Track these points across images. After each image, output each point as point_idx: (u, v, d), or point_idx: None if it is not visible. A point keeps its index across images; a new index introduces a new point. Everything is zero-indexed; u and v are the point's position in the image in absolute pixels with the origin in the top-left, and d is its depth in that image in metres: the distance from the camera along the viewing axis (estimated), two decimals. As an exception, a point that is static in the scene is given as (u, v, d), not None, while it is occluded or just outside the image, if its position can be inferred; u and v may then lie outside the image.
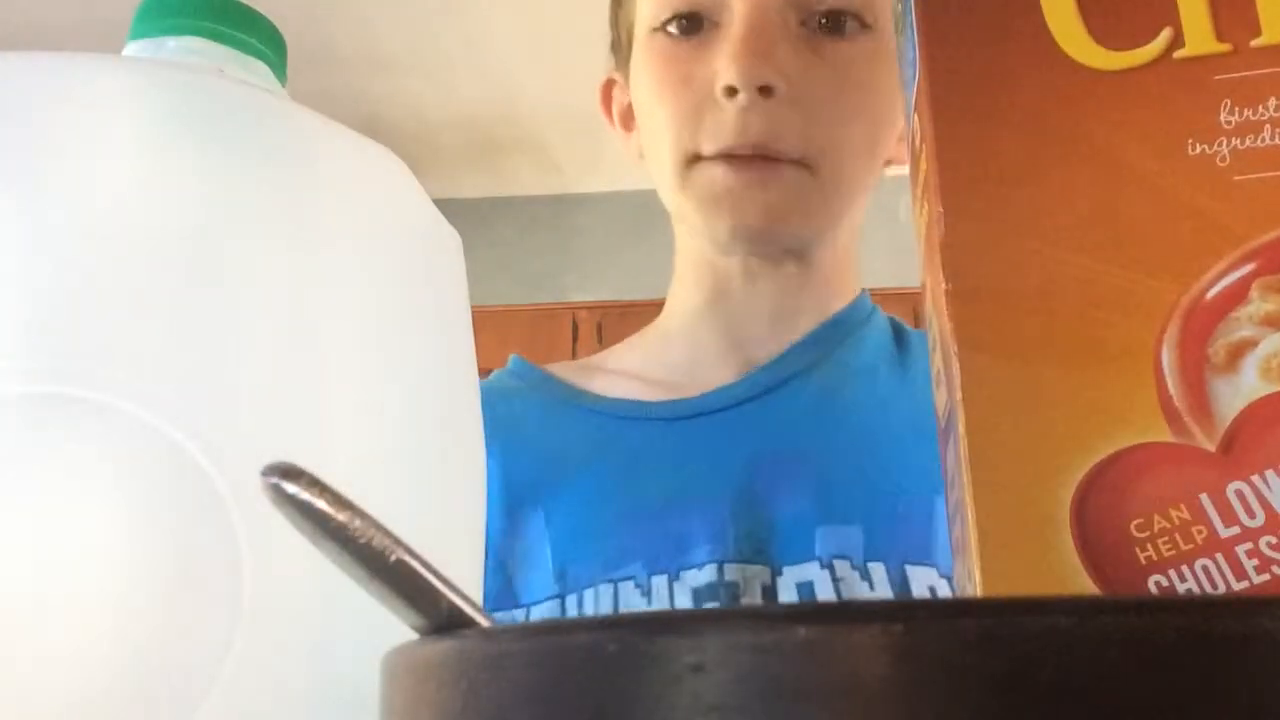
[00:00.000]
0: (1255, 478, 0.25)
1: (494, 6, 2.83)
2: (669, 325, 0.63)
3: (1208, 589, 0.25)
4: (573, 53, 2.48)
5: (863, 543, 0.52)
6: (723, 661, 0.13)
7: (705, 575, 0.52)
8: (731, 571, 0.52)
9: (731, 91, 0.52)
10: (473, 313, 0.35)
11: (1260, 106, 0.27)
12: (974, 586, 0.27)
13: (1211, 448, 0.25)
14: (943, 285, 0.28)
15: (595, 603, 0.52)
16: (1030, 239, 0.28)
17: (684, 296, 0.61)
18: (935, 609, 0.13)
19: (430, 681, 0.15)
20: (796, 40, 0.54)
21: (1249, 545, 0.25)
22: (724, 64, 0.52)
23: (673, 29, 0.56)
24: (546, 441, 0.59)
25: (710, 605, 0.50)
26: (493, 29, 2.90)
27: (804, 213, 0.56)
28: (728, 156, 0.54)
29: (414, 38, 2.99)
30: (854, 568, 0.51)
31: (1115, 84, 0.28)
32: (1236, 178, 0.27)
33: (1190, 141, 0.27)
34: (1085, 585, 0.25)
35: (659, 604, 0.51)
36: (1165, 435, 0.26)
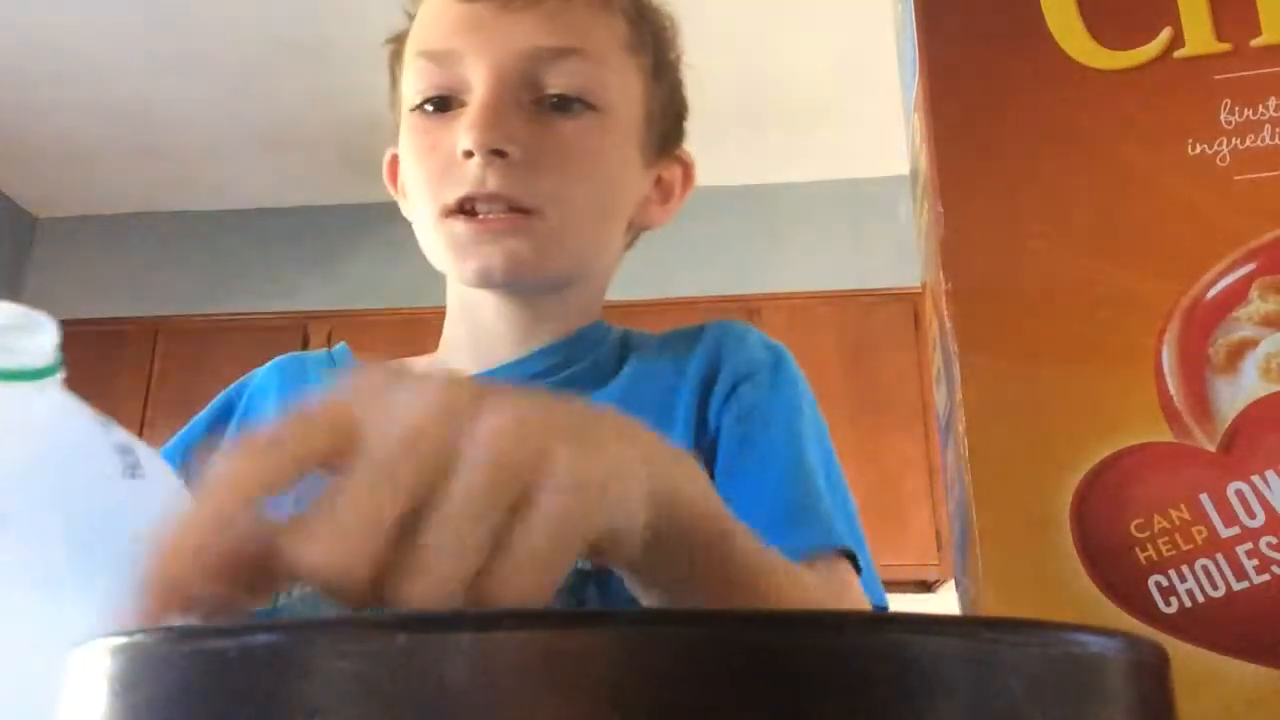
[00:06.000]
0: (1255, 478, 0.25)
1: (494, 6, 2.82)
2: (442, 340, 0.76)
3: (1208, 589, 0.25)
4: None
5: None
6: (326, 666, 0.13)
7: None
8: None
9: (469, 154, 0.62)
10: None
11: (1260, 106, 0.27)
12: (975, 585, 0.27)
13: (1211, 448, 0.25)
14: (943, 285, 0.28)
15: None
16: (1030, 239, 0.28)
17: (449, 317, 0.74)
18: (520, 620, 0.14)
19: (83, 685, 0.16)
20: (529, 115, 0.63)
21: (1249, 545, 0.25)
22: (463, 133, 0.63)
23: (428, 108, 0.65)
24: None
25: None
26: (493, 28, 2.89)
27: (538, 253, 0.64)
28: (469, 210, 0.64)
29: (414, 37, 2.99)
30: None
31: (1115, 84, 0.28)
32: (1236, 178, 0.27)
33: (1190, 141, 0.27)
34: (1085, 585, 0.25)
35: None
36: (1165, 435, 0.26)
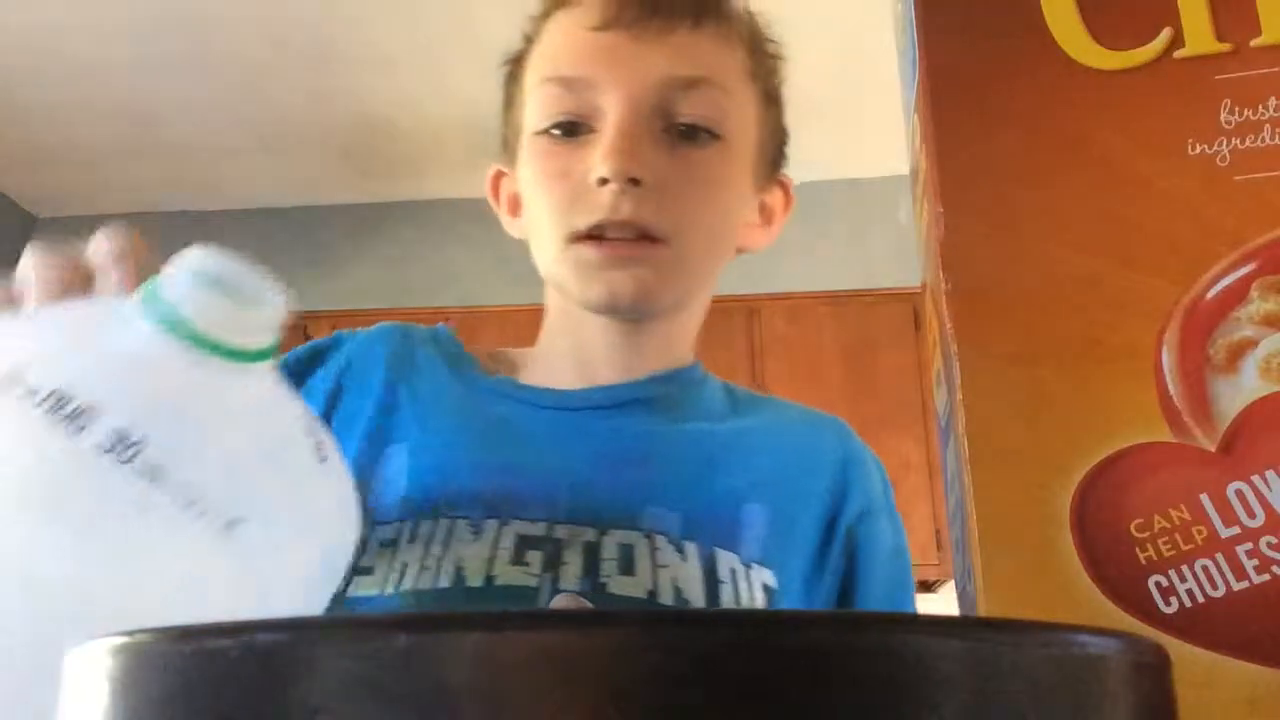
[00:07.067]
0: (1255, 478, 0.25)
1: (494, 6, 2.82)
2: (541, 344, 0.77)
3: (1208, 589, 0.25)
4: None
5: (680, 525, 0.64)
6: (329, 666, 0.13)
7: (535, 529, 0.62)
8: (560, 530, 0.62)
9: (604, 182, 0.64)
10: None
11: (1260, 106, 0.27)
12: (975, 585, 0.27)
13: (1211, 448, 0.25)
14: (943, 285, 0.28)
15: (432, 533, 0.62)
16: (1030, 239, 0.28)
17: (549, 325, 0.75)
18: (522, 620, 0.14)
19: (72, 688, 0.16)
20: (659, 143, 0.65)
21: (1249, 545, 0.25)
22: (599, 160, 0.63)
23: (556, 132, 0.66)
24: (431, 391, 0.71)
25: (534, 553, 0.61)
26: (493, 28, 2.90)
27: (662, 282, 0.66)
28: (599, 236, 0.64)
29: (414, 37, 2.99)
30: (670, 541, 0.63)
31: (1115, 84, 0.28)
32: (1236, 178, 0.27)
33: (1190, 141, 0.27)
34: (1085, 585, 0.25)
35: (485, 544, 0.60)
36: (1165, 435, 0.26)
